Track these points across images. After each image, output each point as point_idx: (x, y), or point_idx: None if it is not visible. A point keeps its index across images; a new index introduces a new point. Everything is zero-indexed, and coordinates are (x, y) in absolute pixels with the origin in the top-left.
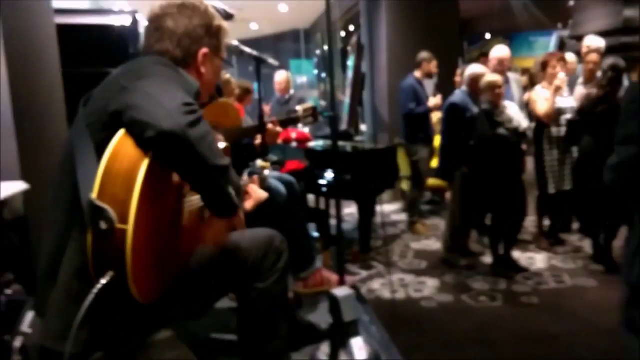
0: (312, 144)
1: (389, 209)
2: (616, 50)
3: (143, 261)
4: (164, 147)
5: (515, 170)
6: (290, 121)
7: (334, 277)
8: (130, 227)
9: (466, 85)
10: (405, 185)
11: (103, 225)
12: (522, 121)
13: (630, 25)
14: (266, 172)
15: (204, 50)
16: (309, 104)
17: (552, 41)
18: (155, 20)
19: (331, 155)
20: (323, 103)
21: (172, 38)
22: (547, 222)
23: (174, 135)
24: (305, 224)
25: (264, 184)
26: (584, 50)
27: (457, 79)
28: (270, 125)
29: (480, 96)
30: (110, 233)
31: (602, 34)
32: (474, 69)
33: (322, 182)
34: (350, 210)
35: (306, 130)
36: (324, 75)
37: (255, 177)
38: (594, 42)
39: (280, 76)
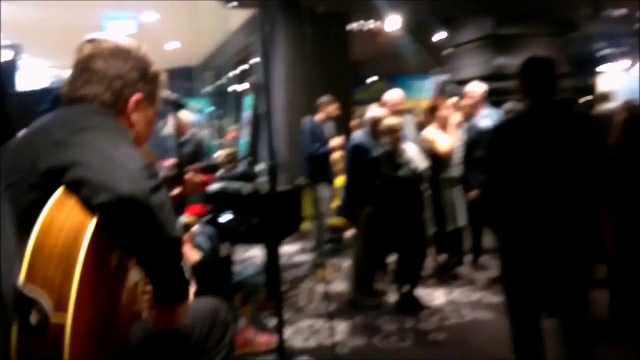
0: (213, 186)
1: (291, 249)
2: (490, 94)
3: (81, 357)
4: (118, 214)
5: (416, 209)
6: (210, 168)
7: (258, 337)
8: (68, 319)
9: (367, 127)
10: (308, 225)
11: (33, 320)
12: (420, 162)
13: (500, 72)
14: (194, 228)
15: (138, 95)
16: (230, 149)
17: (431, 84)
18: (84, 62)
19: (240, 198)
20: (216, 141)
21: (102, 80)
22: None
23: (134, 201)
24: (230, 280)
25: (193, 243)
26: (466, 94)
27: (354, 122)
28: (189, 174)
29: (380, 138)
30: (42, 329)
31: (476, 79)
32: (373, 111)
33: (224, 226)
34: (251, 253)
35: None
36: (215, 111)
37: (187, 236)
38: (475, 87)
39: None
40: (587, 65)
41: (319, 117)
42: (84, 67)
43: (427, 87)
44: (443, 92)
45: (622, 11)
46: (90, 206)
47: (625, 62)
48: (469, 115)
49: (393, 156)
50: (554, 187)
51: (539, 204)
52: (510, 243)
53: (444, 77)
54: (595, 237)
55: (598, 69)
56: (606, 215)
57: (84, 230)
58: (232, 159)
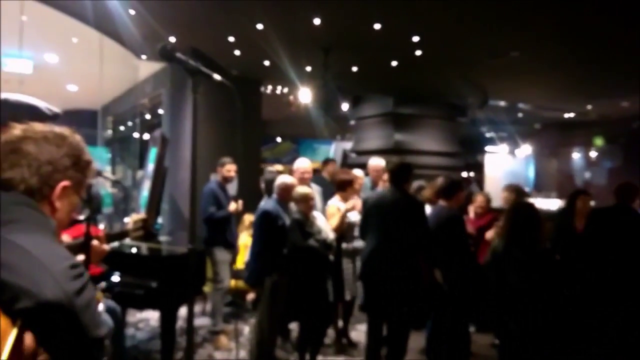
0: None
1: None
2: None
3: None
4: (41, 319)
5: (322, 279)
6: (119, 236)
7: None
8: None
9: (276, 194)
10: (207, 289)
11: None
12: (329, 232)
13: (399, 147)
14: (100, 307)
15: (66, 182)
16: (140, 215)
17: (332, 149)
18: (13, 143)
19: (138, 259)
20: (111, 190)
21: (31, 164)
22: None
23: (58, 306)
24: (123, 347)
25: None
26: (370, 167)
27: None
28: (95, 242)
29: (288, 205)
30: None
31: (378, 151)
32: (283, 178)
33: (117, 288)
34: (144, 315)
35: (100, 226)
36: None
37: None
38: (375, 162)
39: None
40: (475, 145)
41: (218, 177)
42: (13, 147)
43: (329, 152)
44: (345, 159)
45: (503, 103)
46: (11, 311)
47: (506, 146)
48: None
49: (304, 225)
50: (392, 238)
51: (381, 254)
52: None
53: (346, 146)
54: (417, 271)
55: (485, 149)
56: (423, 260)
57: (5, 337)
58: (142, 226)
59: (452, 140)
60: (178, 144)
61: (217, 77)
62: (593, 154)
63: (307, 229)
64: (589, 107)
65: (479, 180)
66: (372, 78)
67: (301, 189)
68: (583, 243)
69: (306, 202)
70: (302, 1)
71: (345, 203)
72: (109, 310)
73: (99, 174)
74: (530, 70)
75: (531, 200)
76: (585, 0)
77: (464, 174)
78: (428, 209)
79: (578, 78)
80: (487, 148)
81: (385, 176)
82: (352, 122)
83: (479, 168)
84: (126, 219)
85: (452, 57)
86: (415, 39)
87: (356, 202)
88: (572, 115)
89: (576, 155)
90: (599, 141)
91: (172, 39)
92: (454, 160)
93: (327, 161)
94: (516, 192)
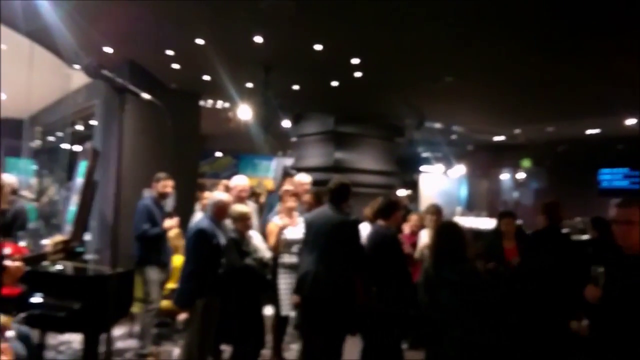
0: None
1: (115, 333)
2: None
3: None
4: None
5: (258, 299)
6: (37, 259)
7: None
8: None
9: (211, 212)
10: (136, 309)
11: None
12: (266, 251)
13: (339, 165)
14: (9, 334)
15: None
16: (60, 236)
17: (273, 165)
18: None
19: (61, 280)
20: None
21: None
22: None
23: None
24: None
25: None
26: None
27: (204, 202)
28: (9, 263)
29: (222, 223)
30: None
31: (318, 169)
32: (219, 196)
33: (38, 310)
34: (66, 338)
35: (22, 243)
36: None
37: (3, 344)
38: (301, 178)
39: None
40: (411, 165)
41: (153, 193)
42: None
43: (270, 168)
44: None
45: (439, 125)
46: None
47: (441, 166)
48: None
49: (240, 244)
50: (327, 256)
51: (316, 272)
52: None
53: (287, 162)
54: (352, 290)
55: (421, 168)
56: (359, 278)
57: None
58: (62, 248)
59: (390, 160)
60: (109, 157)
61: (145, 96)
62: (521, 175)
63: (243, 248)
64: (518, 131)
65: (414, 198)
66: (313, 97)
67: (239, 208)
68: (520, 266)
69: (244, 220)
70: (243, 19)
71: (288, 219)
72: (21, 336)
73: (14, 192)
74: (464, 95)
75: (463, 219)
76: (515, 35)
77: (402, 192)
78: (367, 228)
79: (508, 105)
80: (423, 168)
81: (307, 196)
82: (294, 139)
83: (414, 187)
84: (44, 241)
85: (391, 80)
86: (355, 61)
87: (292, 220)
88: (502, 138)
89: (505, 176)
90: (526, 163)
91: (109, 50)
92: (391, 179)
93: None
94: (438, 212)
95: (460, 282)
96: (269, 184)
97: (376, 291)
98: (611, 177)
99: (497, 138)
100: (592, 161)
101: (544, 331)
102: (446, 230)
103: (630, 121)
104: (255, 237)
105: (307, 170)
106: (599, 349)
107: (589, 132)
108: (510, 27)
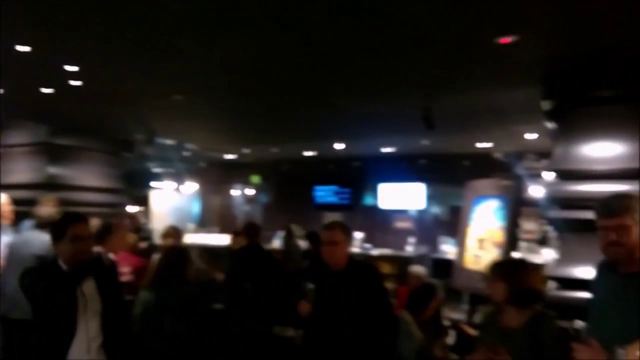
0: None
1: None
2: (31, 202)
3: None
4: None
5: None
6: None
7: None
8: None
9: None
10: None
11: None
12: None
13: (54, 182)
14: None
15: None
16: None
17: None
18: None
19: None
20: None
21: None
22: None
23: None
24: None
25: None
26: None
27: None
28: None
29: None
30: None
31: (28, 186)
32: None
33: None
34: None
35: None
36: None
37: None
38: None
39: None
40: (142, 180)
41: None
42: None
43: None
44: None
45: (171, 141)
46: None
47: (173, 183)
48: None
49: None
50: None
51: None
52: None
53: None
54: None
55: (152, 184)
56: None
57: None
58: None
59: (116, 176)
60: None
61: None
62: (251, 191)
63: None
64: (247, 150)
65: (132, 219)
66: (20, 103)
67: None
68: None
69: None
70: None
71: None
72: None
73: None
74: (195, 114)
75: (195, 236)
76: (239, 65)
77: (132, 209)
78: None
79: (236, 126)
80: (154, 184)
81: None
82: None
83: (145, 203)
84: None
85: (116, 93)
86: (72, 68)
87: None
88: (233, 156)
89: (236, 192)
90: (255, 179)
91: None
92: (117, 196)
93: None
94: (177, 235)
95: (181, 307)
96: None
97: None
98: (324, 193)
99: (228, 156)
100: (309, 179)
101: (251, 340)
102: (172, 254)
103: (339, 145)
104: None
105: (14, 187)
106: (310, 356)
107: (306, 153)
108: (235, 59)
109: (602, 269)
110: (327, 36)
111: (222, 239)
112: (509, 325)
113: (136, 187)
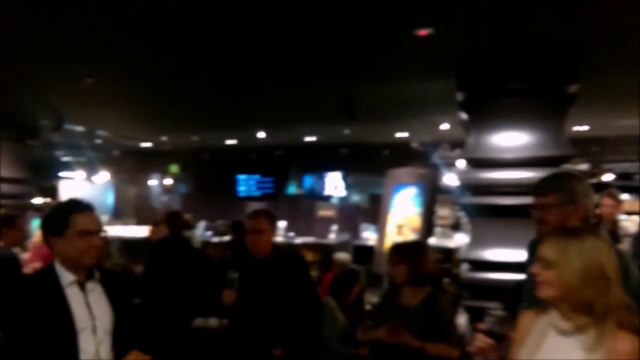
0: None
1: None
2: None
3: None
4: None
5: None
6: None
7: None
8: None
9: None
10: None
11: None
12: None
13: None
14: None
15: None
16: None
17: None
18: None
19: None
20: None
21: None
22: None
23: None
24: None
25: None
26: None
27: None
28: None
29: None
30: None
31: None
32: None
33: None
34: None
35: None
36: None
37: None
38: None
39: None
40: (50, 170)
41: None
42: None
43: None
44: None
45: (81, 128)
46: None
47: (84, 172)
48: None
49: None
50: None
51: None
52: None
53: None
54: None
55: (61, 174)
56: None
57: None
58: None
59: (20, 165)
60: None
61: None
62: (169, 180)
63: None
64: (165, 138)
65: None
66: None
67: None
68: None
69: None
70: None
71: None
72: None
73: None
74: (107, 99)
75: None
76: (156, 47)
77: (39, 201)
78: None
79: (152, 112)
80: (63, 173)
81: None
82: None
83: (54, 194)
84: None
85: (18, 75)
86: None
87: None
88: (149, 144)
89: (153, 182)
90: (174, 169)
91: None
92: (22, 187)
93: None
94: None
95: None
96: None
97: None
98: (246, 182)
99: (144, 144)
100: (231, 168)
101: (171, 334)
102: None
103: (261, 134)
104: None
105: None
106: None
107: (228, 142)
108: (152, 38)
109: (532, 246)
110: (247, 21)
111: (140, 231)
112: (407, 304)
113: (43, 177)
